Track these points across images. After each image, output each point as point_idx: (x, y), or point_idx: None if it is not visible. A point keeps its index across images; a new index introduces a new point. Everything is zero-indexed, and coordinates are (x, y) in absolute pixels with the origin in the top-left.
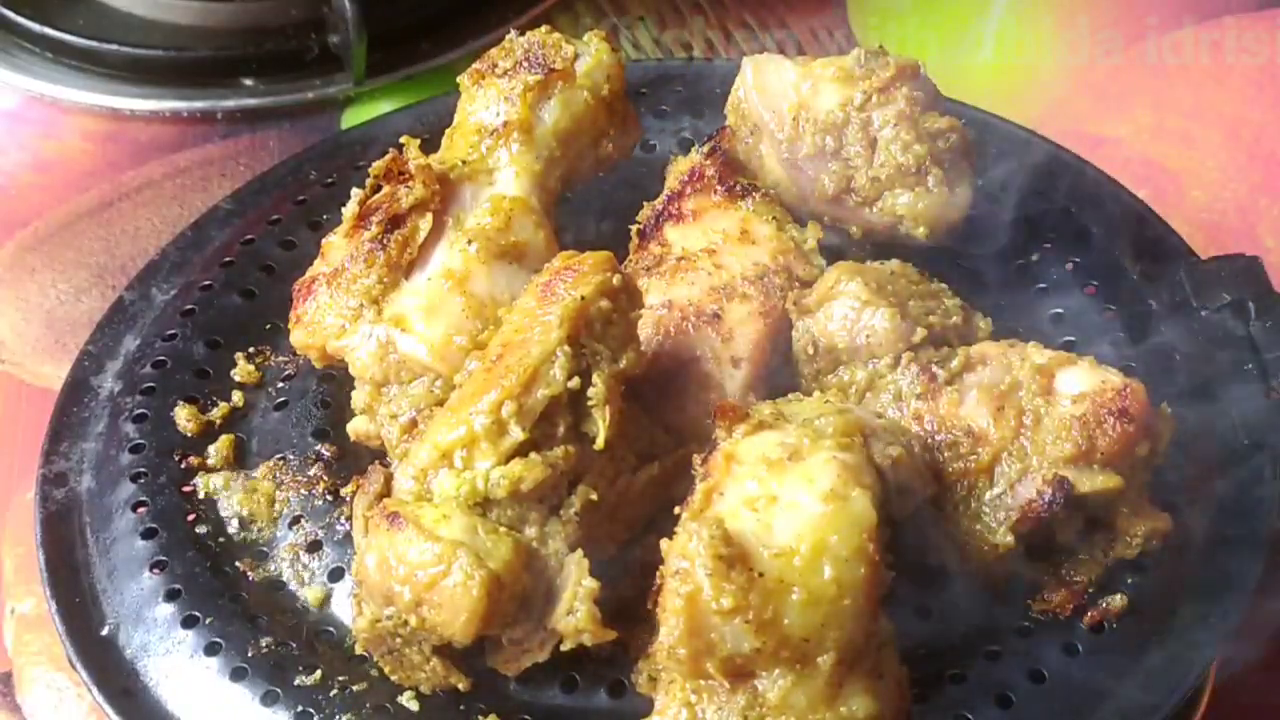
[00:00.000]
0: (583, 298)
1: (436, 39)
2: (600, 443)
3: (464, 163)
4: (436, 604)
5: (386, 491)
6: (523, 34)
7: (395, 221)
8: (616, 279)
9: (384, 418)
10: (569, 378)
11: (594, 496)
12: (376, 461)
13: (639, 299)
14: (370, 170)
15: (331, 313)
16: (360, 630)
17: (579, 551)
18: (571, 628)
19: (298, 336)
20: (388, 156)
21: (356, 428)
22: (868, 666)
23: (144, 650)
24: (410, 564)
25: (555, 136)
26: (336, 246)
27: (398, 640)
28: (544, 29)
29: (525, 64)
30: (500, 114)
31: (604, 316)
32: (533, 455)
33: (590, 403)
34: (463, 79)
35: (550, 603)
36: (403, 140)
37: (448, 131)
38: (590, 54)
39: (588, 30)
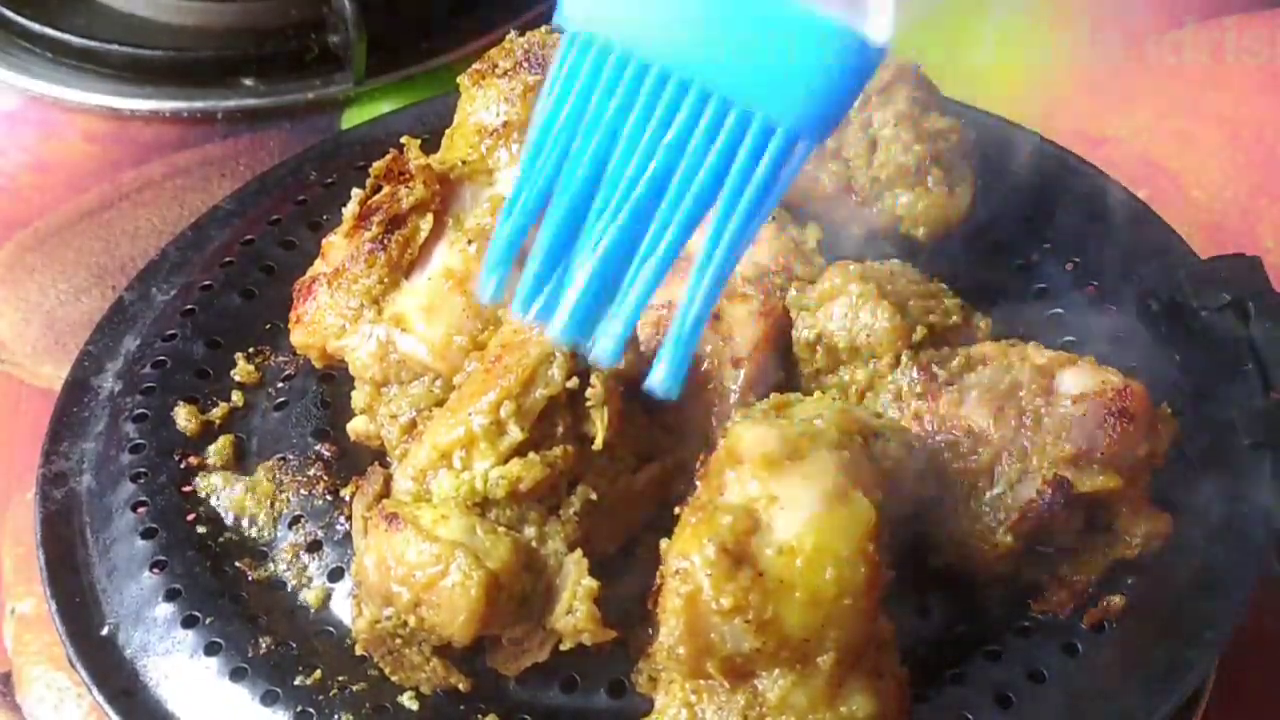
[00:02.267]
0: None
1: (436, 39)
2: (599, 442)
3: (464, 163)
4: (435, 604)
5: (385, 492)
6: (523, 34)
7: (396, 222)
8: None
9: (384, 418)
10: (567, 378)
11: (594, 496)
12: (376, 462)
13: None
14: (371, 170)
15: (332, 312)
16: (360, 631)
17: (578, 551)
18: (571, 627)
19: (298, 336)
20: (388, 157)
21: (356, 428)
22: (868, 666)
23: (144, 650)
24: (408, 564)
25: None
26: (337, 246)
27: (397, 641)
28: (544, 29)
29: (525, 64)
30: (500, 114)
31: None
32: (531, 455)
33: (589, 403)
34: (462, 79)
35: (550, 602)
36: (403, 140)
37: (448, 132)
38: None
39: None
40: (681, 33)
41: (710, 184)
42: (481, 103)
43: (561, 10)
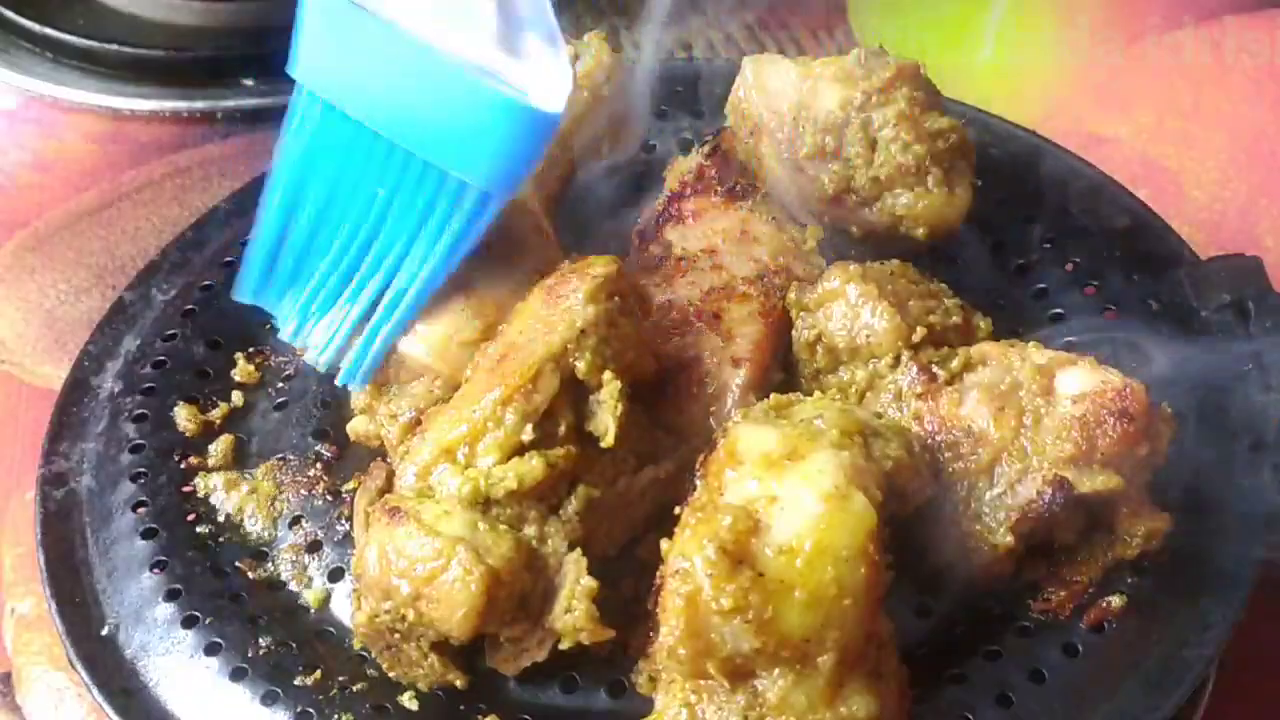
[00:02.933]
0: (589, 301)
1: None
2: (610, 439)
3: None
4: (435, 599)
5: (388, 487)
6: None
7: None
8: (620, 282)
9: (384, 417)
10: (573, 378)
11: (596, 494)
12: (379, 458)
13: (649, 305)
14: None
15: None
16: (359, 625)
17: (578, 551)
18: (569, 626)
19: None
20: None
21: (356, 427)
22: (868, 666)
23: (144, 650)
24: (410, 558)
25: (555, 138)
26: None
27: (396, 636)
28: None
29: None
30: None
31: (609, 318)
32: (532, 455)
33: (599, 400)
34: None
35: (548, 601)
36: None
37: None
38: (590, 55)
39: (588, 30)
40: (386, 101)
41: (416, 230)
42: None
43: (292, 65)
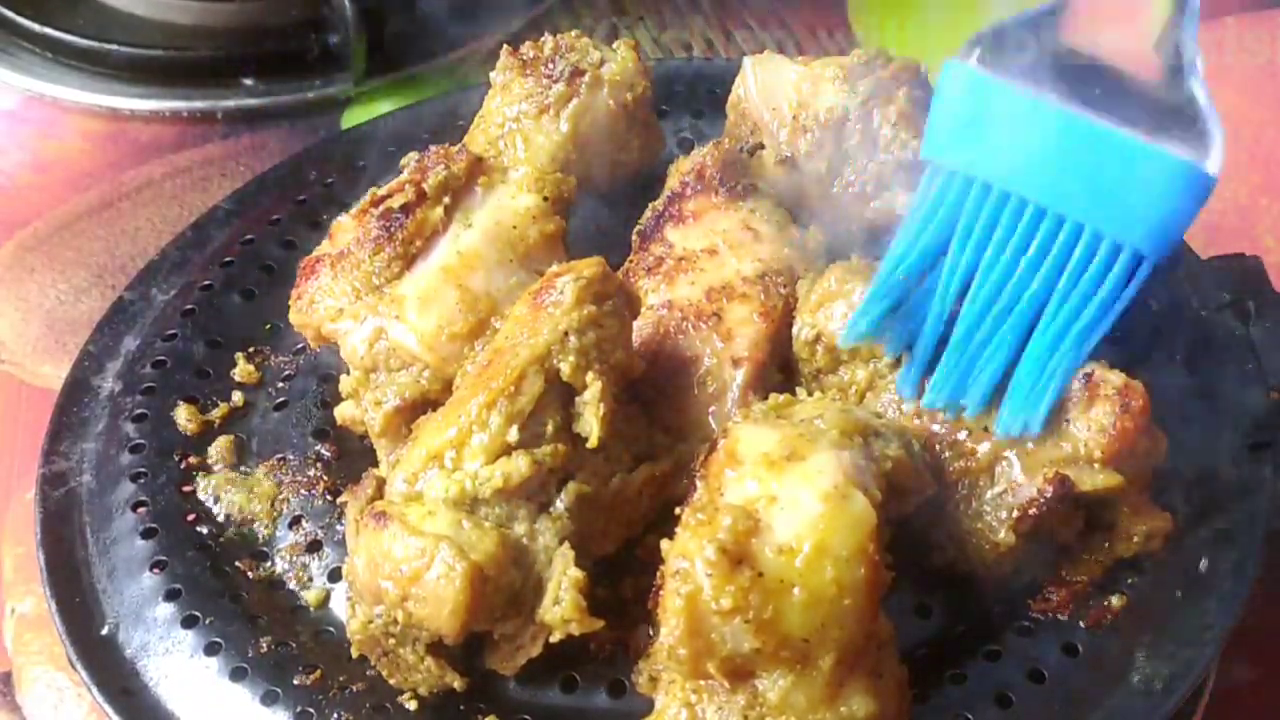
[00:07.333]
0: (573, 304)
1: (436, 39)
2: (594, 440)
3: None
4: (421, 597)
5: (378, 496)
6: (555, 34)
7: (407, 209)
8: (606, 284)
9: (369, 404)
10: (558, 380)
11: (586, 489)
12: (370, 468)
13: (636, 304)
14: (403, 162)
15: (330, 295)
16: (354, 632)
17: (566, 544)
18: (558, 618)
19: (294, 315)
20: (436, 148)
21: (343, 412)
22: (868, 666)
23: (144, 650)
24: (395, 559)
25: (573, 140)
26: (345, 228)
27: (391, 640)
28: (574, 32)
29: (551, 65)
30: (520, 113)
31: (594, 320)
32: (518, 453)
33: (584, 401)
34: (492, 74)
35: (540, 596)
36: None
37: (476, 118)
38: (616, 61)
39: (588, 31)
40: (1038, 168)
41: (1065, 291)
42: (504, 99)
43: (926, 147)
